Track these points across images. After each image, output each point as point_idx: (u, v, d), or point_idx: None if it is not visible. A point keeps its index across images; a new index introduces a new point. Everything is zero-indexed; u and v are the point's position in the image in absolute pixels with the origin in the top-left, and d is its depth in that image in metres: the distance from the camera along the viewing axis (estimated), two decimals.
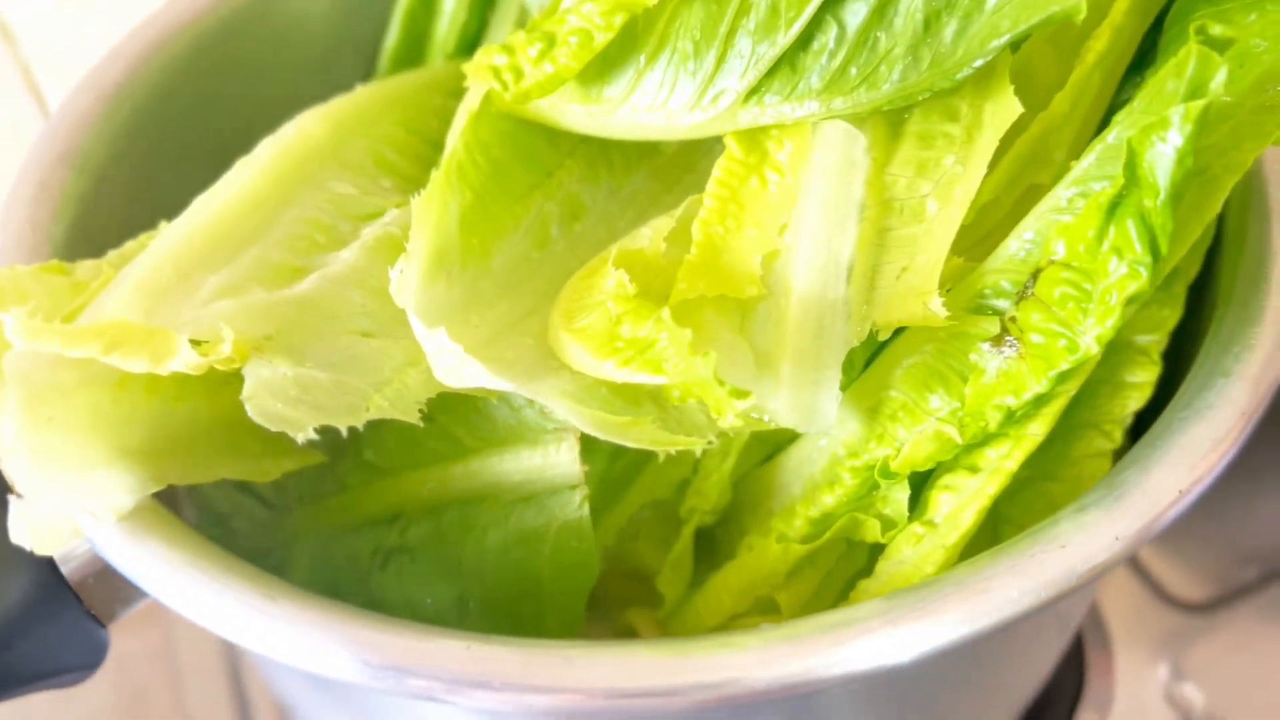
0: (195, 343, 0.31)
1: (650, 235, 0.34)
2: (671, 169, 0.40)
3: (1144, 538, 0.28)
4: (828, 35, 0.33)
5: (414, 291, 0.31)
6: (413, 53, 0.50)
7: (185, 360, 0.30)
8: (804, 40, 0.33)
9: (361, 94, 0.42)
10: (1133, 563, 0.56)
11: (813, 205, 0.33)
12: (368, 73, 0.51)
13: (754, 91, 0.33)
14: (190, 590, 0.28)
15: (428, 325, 0.30)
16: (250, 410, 0.30)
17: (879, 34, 0.32)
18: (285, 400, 0.30)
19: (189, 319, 0.32)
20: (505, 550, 0.36)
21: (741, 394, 0.28)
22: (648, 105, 0.35)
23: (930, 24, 0.32)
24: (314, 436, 0.30)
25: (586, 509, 0.35)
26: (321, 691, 0.37)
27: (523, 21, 0.49)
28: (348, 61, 0.51)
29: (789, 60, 0.33)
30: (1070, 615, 0.42)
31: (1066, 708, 0.52)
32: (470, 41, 0.50)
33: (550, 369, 0.32)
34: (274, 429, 0.30)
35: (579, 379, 0.31)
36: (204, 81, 0.46)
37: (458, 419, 0.37)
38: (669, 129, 0.35)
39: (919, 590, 0.27)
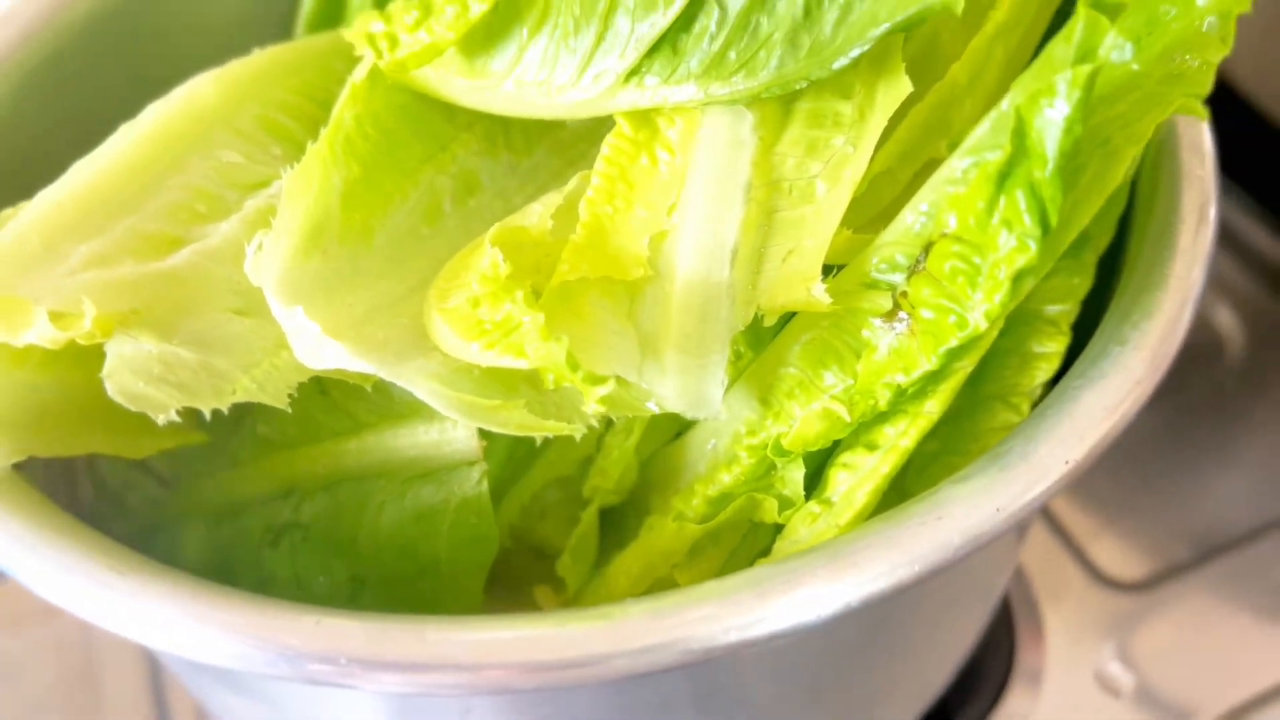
0: (56, 315, 0.30)
1: (539, 211, 0.33)
2: (575, 143, 0.38)
3: (1028, 509, 0.27)
4: (709, 18, 0.32)
5: (278, 269, 0.30)
6: (330, 18, 0.49)
7: (42, 333, 0.29)
8: (685, 21, 0.32)
9: (260, 57, 0.41)
10: (1067, 541, 0.56)
11: (698, 186, 0.32)
12: (287, 30, 0.50)
13: (634, 72, 0.33)
14: (35, 563, 0.27)
15: (286, 304, 0.29)
16: (110, 388, 0.29)
17: (760, 18, 0.32)
18: (147, 379, 0.29)
19: (51, 289, 0.30)
20: (402, 526, 0.35)
21: (599, 380, 0.28)
22: (531, 81, 0.34)
23: (811, 10, 0.31)
24: (175, 418, 0.29)
25: (485, 485, 0.34)
26: (219, 679, 0.36)
27: None
28: (262, 30, 0.50)
29: (670, 41, 0.32)
30: (988, 584, 0.42)
31: (995, 686, 0.51)
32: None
33: (422, 350, 0.31)
34: (134, 409, 0.29)
35: (450, 361, 0.30)
36: (103, 49, 0.45)
37: (352, 394, 0.36)
38: (551, 106, 0.34)
39: (789, 563, 0.26)
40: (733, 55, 0.32)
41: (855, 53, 0.31)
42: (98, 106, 0.45)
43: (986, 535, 0.27)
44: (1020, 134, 0.27)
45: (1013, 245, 0.27)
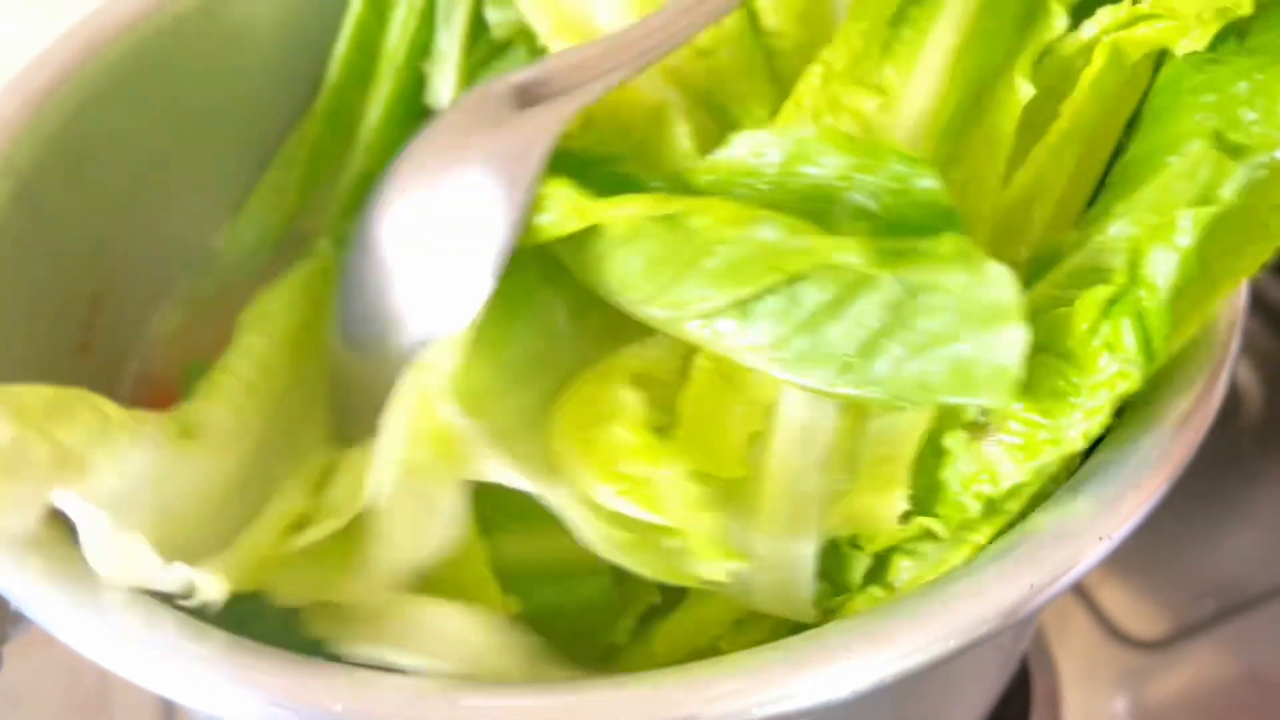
0: None
1: (662, 353, 0.33)
2: None
3: (1064, 586, 0.27)
4: (779, 301, 0.29)
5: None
6: (364, 61, 0.50)
7: None
8: (758, 294, 0.29)
9: None
10: (1084, 598, 0.56)
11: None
12: (316, 81, 0.51)
13: (707, 316, 0.30)
14: (71, 616, 0.27)
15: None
16: None
17: (829, 325, 0.29)
18: None
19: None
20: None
21: (737, 556, 0.28)
22: None
23: (870, 343, 0.29)
24: None
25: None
26: None
27: (475, 34, 0.48)
28: (295, 69, 0.51)
29: (741, 306, 0.30)
30: (1011, 650, 0.41)
31: None
32: (420, 50, 0.49)
33: (563, 472, 0.31)
34: None
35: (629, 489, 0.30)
36: (142, 87, 0.45)
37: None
38: (633, 309, 0.33)
39: (821, 635, 0.26)
40: (796, 345, 0.29)
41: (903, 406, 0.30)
42: (136, 145, 0.46)
43: (1022, 612, 0.27)
44: (1134, 265, 0.28)
45: (1115, 370, 0.28)
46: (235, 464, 0.33)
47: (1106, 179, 0.34)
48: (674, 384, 0.32)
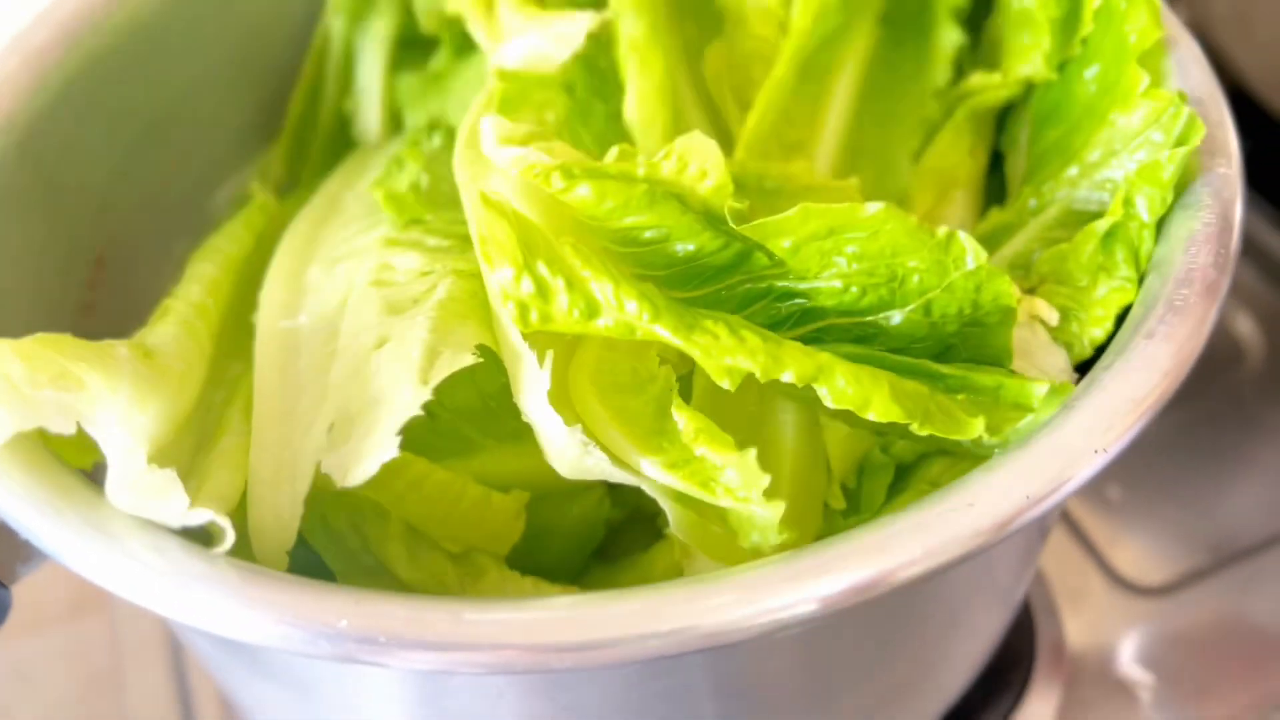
0: None
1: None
2: None
3: (1059, 498, 0.27)
4: None
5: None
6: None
7: None
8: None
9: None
10: (1086, 545, 0.56)
11: None
12: (281, 70, 0.51)
13: None
14: (70, 538, 0.28)
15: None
16: None
17: None
18: None
19: None
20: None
21: (787, 538, 0.30)
22: None
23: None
24: None
25: (605, 506, 0.37)
26: (249, 665, 0.36)
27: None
28: (298, 32, 0.51)
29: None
30: (1009, 585, 0.42)
31: (1016, 689, 0.51)
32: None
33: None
34: None
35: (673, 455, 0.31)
36: (145, 48, 0.46)
37: (463, 415, 0.36)
38: None
39: (821, 549, 0.27)
40: None
41: None
42: (134, 106, 0.46)
43: (1018, 522, 0.27)
44: (1127, 202, 0.34)
45: (1114, 286, 0.34)
46: (194, 384, 0.33)
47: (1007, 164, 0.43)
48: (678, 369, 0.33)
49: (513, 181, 0.31)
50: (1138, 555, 0.55)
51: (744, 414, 0.33)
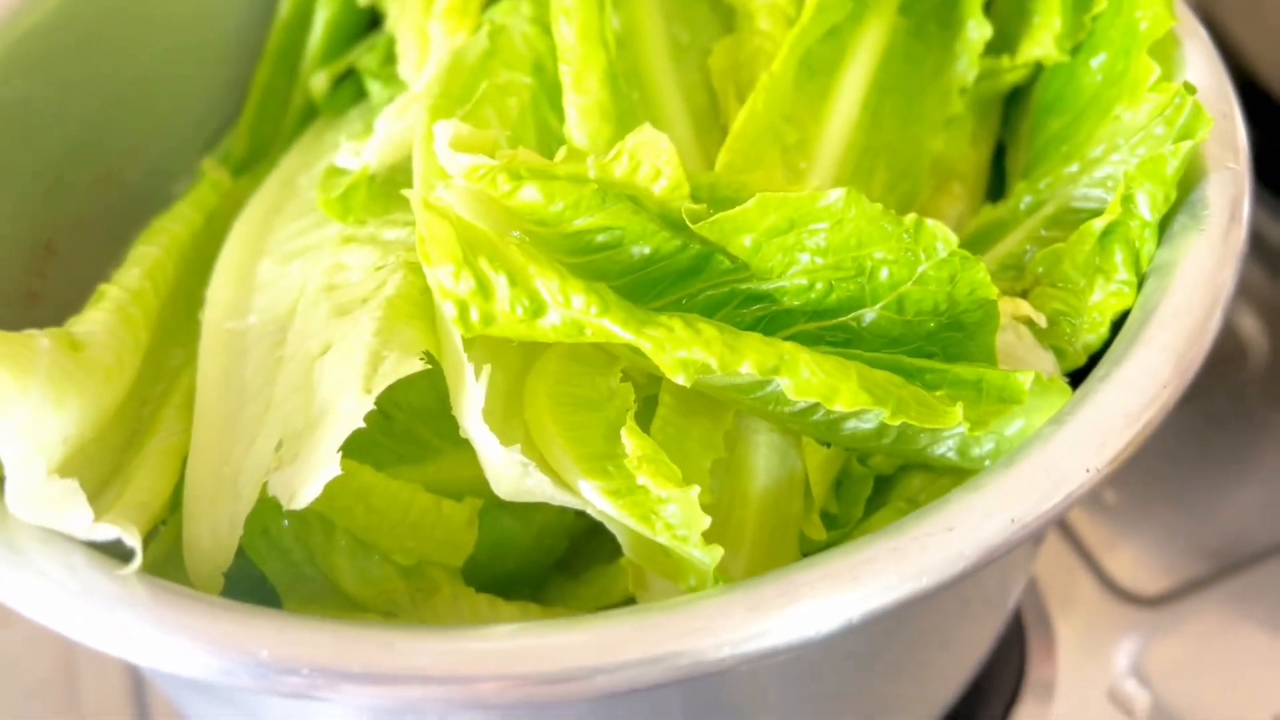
0: None
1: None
2: None
3: (1045, 521, 0.25)
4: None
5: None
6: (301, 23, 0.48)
7: None
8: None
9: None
10: (1081, 551, 0.54)
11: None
12: (254, 47, 0.49)
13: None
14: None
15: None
16: None
17: None
18: None
19: None
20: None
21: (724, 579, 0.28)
22: None
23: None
24: None
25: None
26: (192, 686, 0.34)
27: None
28: (258, 12, 0.49)
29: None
30: (1000, 596, 0.40)
31: (1005, 699, 0.49)
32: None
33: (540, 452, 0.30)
34: None
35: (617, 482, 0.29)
36: (102, 26, 0.43)
37: (418, 417, 0.34)
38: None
39: (789, 575, 0.25)
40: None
41: None
42: (83, 84, 0.44)
43: (1000, 548, 0.25)
44: (1126, 199, 0.31)
45: (1111, 289, 0.31)
46: (124, 377, 0.31)
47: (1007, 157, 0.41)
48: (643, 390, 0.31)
49: (461, 189, 0.29)
50: (1134, 562, 0.53)
51: (714, 434, 0.31)
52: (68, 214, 0.45)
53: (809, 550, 0.32)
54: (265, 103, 0.49)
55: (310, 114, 0.48)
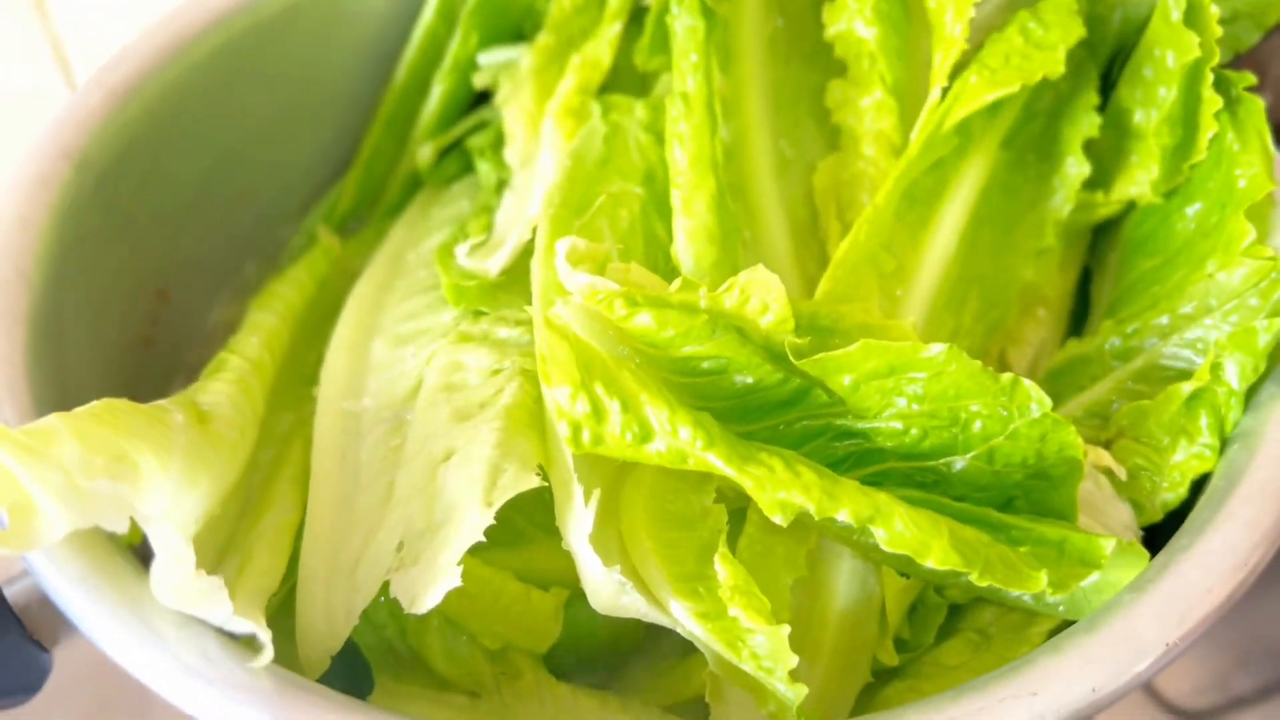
0: None
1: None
2: None
3: (1123, 691, 0.27)
4: None
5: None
6: (427, 67, 0.50)
7: None
8: None
9: None
10: None
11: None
12: (363, 107, 0.51)
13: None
14: (119, 636, 0.27)
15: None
16: None
17: None
18: None
19: None
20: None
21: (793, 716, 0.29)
22: None
23: None
24: None
25: None
26: None
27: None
28: (371, 72, 0.50)
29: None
30: None
31: None
32: (472, 59, 0.49)
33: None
34: None
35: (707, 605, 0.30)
36: (222, 86, 0.46)
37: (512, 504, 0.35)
38: None
39: None
40: None
41: None
42: (209, 141, 0.46)
43: (1079, 715, 0.26)
44: (1215, 366, 0.33)
45: (1194, 452, 0.33)
46: (245, 450, 0.33)
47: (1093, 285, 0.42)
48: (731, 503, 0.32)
49: (579, 307, 0.31)
50: (1181, 675, 0.54)
51: (797, 554, 0.32)
52: (180, 262, 0.47)
53: (876, 671, 0.33)
54: (372, 163, 0.50)
55: (414, 179, 0.50)
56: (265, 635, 0.27)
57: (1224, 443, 0.32)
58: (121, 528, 0.27)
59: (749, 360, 0.31)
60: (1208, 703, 0.53)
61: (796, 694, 0.28)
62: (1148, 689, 0.54)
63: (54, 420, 0.27)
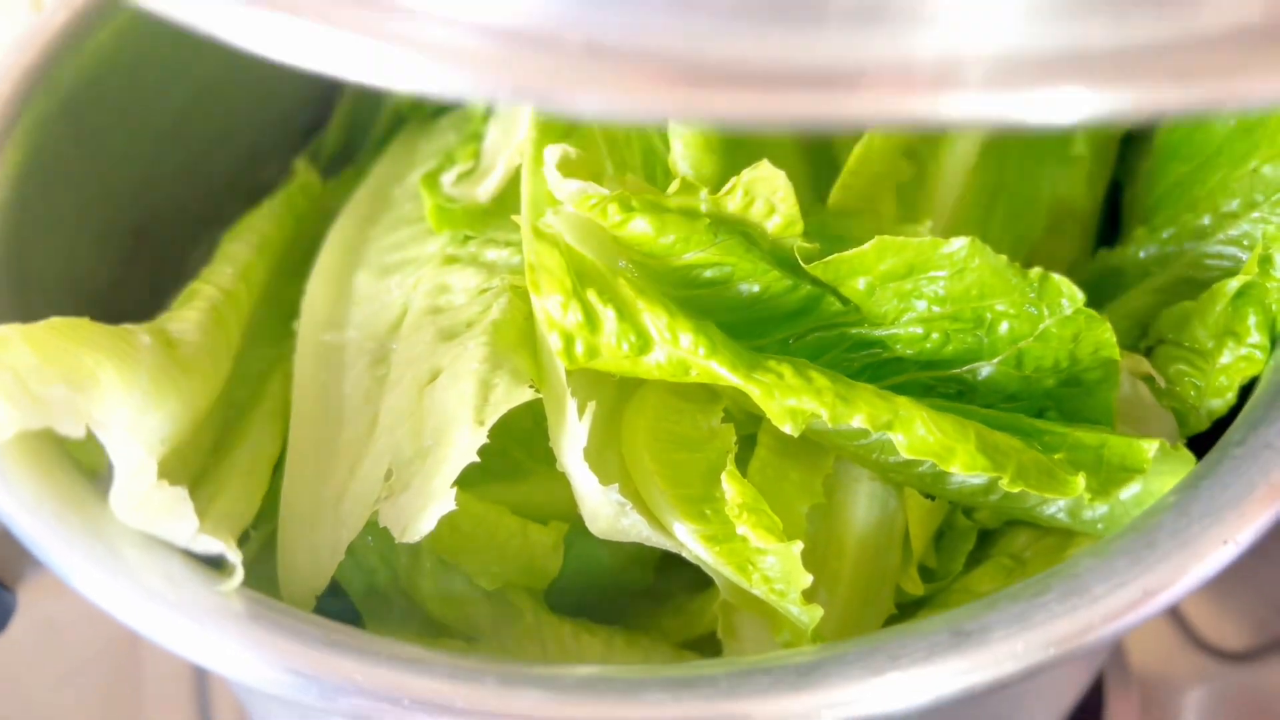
0: None
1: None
2: None
3: (1180, 594, 0.24)
4: None
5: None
6: None
7: None
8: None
9: None
10: None
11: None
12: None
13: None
14: (73, 559, 0.25)
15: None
16: None
17: None
18: None
19: None
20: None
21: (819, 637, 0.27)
22: None
23: None
24: None
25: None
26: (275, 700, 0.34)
27: None
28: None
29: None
30: (1098, 658, 0.38)
31: None
32: None
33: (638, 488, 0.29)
34: None
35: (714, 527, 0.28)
36: (160, 51, 0.43)
37: (511, 436, 0.33)
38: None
39: (906, 634, 0.24)
40: None
41: None
42: (177, 72, 0.43)
43: (1131, 621, 0.24)
44: (1265, 260, 0.30)
45: (1241, 354, 0.30)
46: (217, 380, 0.31)
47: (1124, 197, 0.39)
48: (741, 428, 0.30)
49: (570, 216, 0.28)
50: (1218, 617, 0.52)
51: (813, 479, 0.30)
52: (155, 203, 0.44)
53: (902, 603, 0.31)
54: (357, 104, 0.48)
55: (400, 118, 0.48)
56: (235, 556, 0.25)
57: (1274, 342, 0.30)
58: (77, 432, 0.25)
59: (755, 267, 0.29)
60: (1245, 644, 0.51)
61: (811, 616, 0.26)
62: (1186, 630, 0.51)
63: (8, 329, 0.25)
